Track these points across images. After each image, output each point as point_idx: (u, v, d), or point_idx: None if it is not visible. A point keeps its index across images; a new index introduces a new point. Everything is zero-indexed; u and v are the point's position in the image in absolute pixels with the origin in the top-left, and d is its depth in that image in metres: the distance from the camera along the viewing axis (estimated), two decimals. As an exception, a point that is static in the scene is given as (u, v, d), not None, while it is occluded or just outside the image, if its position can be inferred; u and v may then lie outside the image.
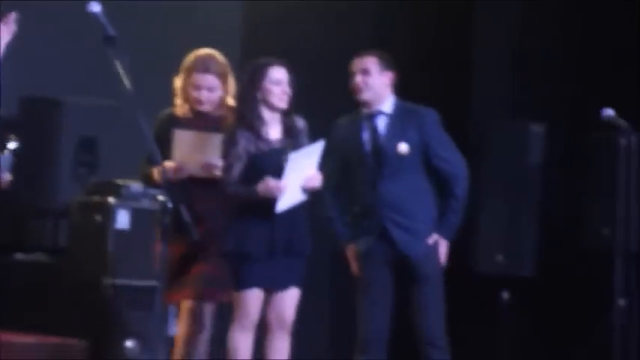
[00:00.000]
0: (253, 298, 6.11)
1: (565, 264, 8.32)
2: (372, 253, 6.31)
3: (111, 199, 7.33)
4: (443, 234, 6.42)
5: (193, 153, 6.46)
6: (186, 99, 6.45)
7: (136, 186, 7.44)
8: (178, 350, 6.54)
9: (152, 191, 7.21)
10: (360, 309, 6.47)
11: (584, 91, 8.32)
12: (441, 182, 6.60)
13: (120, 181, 7.44)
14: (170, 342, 6.87)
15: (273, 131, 6.12)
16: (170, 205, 5.54)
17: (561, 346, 8.21)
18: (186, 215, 5.93)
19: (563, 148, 8.44)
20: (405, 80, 6.67)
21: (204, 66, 6.44)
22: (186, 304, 6.48)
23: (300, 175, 6.04)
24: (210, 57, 6.53)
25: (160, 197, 5.75)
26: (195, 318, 6.53)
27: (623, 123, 6.54)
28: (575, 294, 8.22)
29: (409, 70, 7.14)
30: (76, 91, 7.82)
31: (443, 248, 6.42)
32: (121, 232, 7.34)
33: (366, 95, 6.34)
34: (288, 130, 6.18)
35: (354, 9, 9.14)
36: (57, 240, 7.80)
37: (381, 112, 6.37)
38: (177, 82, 6.43)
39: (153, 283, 6.18)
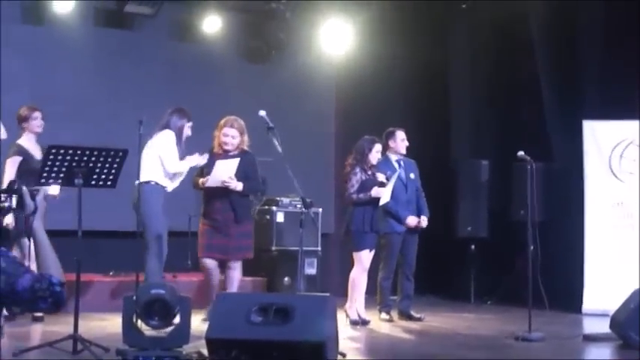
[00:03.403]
0: (367, 254, 8.40)
1: (502, 229, 10.23)
2: (398, 230, 8.71)
3: (274, 207, 10.18)
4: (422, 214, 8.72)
5: (222, 173, 7.51)
6: (219, 143, 7.69)
7: (286, 199, 9.92)
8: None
9: (294, 202, 9.66)
10: (388, 259, 8.77)
11: (510, 141, 9.68)
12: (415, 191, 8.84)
13: (278, 198, 10.14)
14: (308, 279, 9.37)
15: (368, 169, 8.45)
16: (304, 209, 7.12)
17: (500, 274, 10.12)
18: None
19: (499, 172, 10.47)
20: (412, 139, 8.95)
21: (230, 124, 7.77)
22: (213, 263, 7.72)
23: (390, 186, 8.36)
24: (233, 119, 7.73)
25: (298, 205, 7.93)
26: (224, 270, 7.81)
27: (528, 158, 7.81)
28: (508, 244, 10.01)
29: (413, 133, 9.23)
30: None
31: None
32: (279, 224, 10.18)
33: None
34: (371, 169, 8.50)
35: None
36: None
37: (403, 160, 8.95)
38: (216, 132, 7.72)
39: (296, 248, 8.20)
